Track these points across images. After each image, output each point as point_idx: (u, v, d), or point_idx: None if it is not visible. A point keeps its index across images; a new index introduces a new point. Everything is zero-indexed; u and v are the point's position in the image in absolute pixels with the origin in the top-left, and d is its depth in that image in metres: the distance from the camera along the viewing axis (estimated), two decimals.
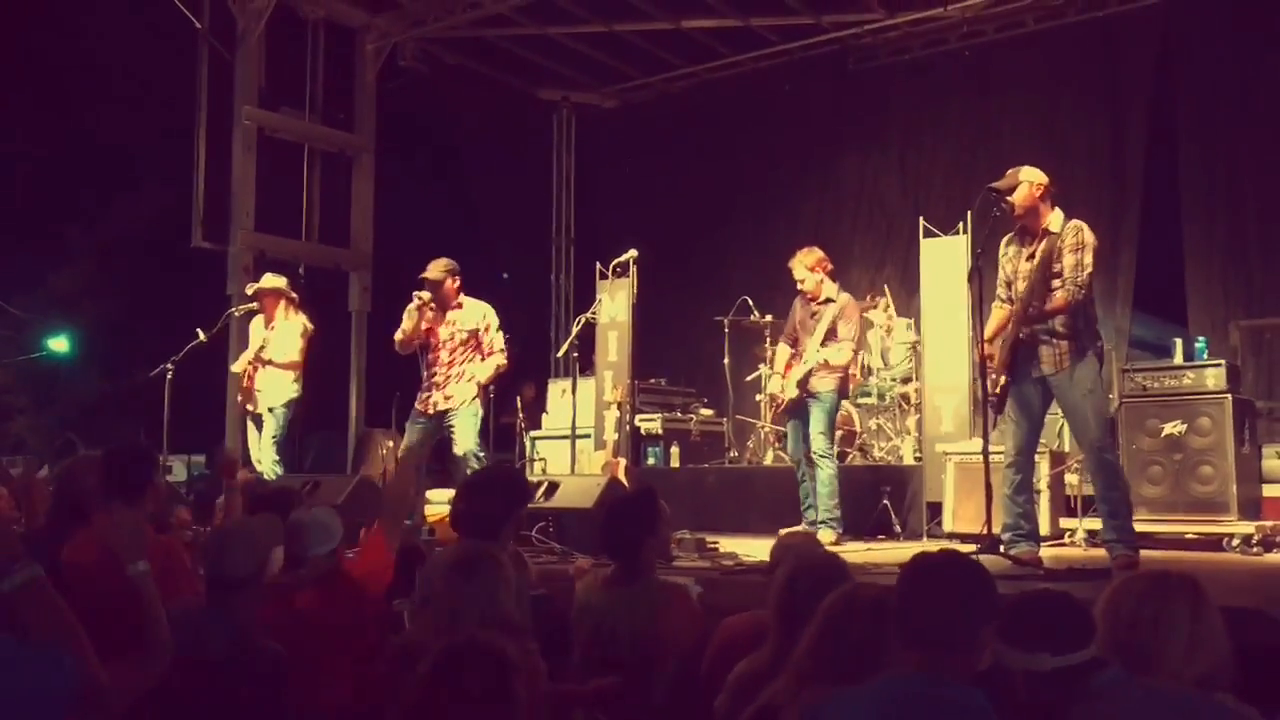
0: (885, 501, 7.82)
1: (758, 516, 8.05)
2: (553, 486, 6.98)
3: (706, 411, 10.56)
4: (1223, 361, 6.93)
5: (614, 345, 9.58)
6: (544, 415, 10.84)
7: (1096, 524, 6.34)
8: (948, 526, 7.36)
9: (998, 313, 5.56)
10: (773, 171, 11.73)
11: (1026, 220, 5.44)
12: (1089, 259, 5.26)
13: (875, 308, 9.31)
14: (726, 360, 9.85)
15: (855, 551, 6.27)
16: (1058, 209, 5.42)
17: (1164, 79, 9.76)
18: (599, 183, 13.30)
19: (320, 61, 10.88)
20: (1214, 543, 6.54)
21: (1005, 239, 5.62)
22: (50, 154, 14.19)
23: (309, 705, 3.39)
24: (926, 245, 8.42)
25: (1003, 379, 5.41)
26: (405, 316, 7.01)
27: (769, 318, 9.52)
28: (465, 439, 6.90)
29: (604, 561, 4.07)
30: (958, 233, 8.07)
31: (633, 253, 8.92)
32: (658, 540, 3.84)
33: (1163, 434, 6.79)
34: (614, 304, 9.59)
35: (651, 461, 9.73)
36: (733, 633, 3.31)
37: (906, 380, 9.21)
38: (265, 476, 7.51)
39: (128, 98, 13.03)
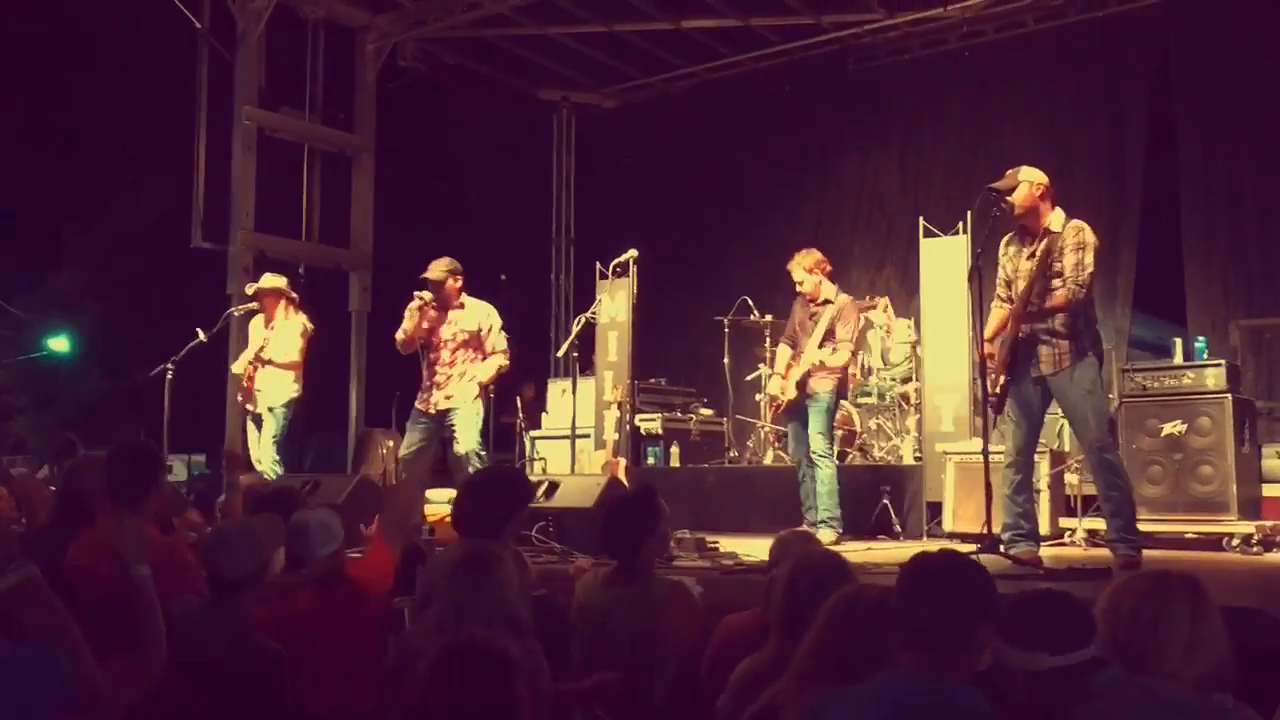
0: (885, 501, 7.82)
1: (757, 516, 8.05)
2: (553, 486, 6.97)
3: (706, 411, 10.56)
4: (1223, 361, 6.93)
5: (614, 345, 9.58)
6: (544, 415, 10.84)
7: (1097, 524, 6.35)
8: (948, 526, 7.36)
9: (997, 312, 5.56)
10: (773, 171, 11.71)
11: (1026, 220, 5.44)
12: (1090, 259, 5.26)
13: (875, 308, 9.31)
14: (726, 360, 9.83)
15: (855, 551, 6.24)
16: (1058, 209, 5.42)
17: (1164, 79, 9.76)
18: (599, 183, 13.29)
19: (320, 61, 10.88)
20: (1214, 542, 6.54)
21: (1005, 239, 5.62)
22: (50, 154, 14.20)
23: (309, 705, 3.40)
24: (926, 245, 8.42)
25: (1002, 379, 5.41)
26: (407, 316, 6.99)
27: (769, 318, 9.51)
28: (466, 439, 6.89)
29: (604, 561, 4.06)
30: (958, 233, 8.07)
31: (633, 253, 8.90)
32: (658, 539, 3.84)
33: (1163, 434, 6.79)
34: (614, 304, 9.58)
35: (651, 461, 9.72)
36: (733, 631, 3.31)
37: (906, 380, 9.20)
38: (265, 476, 7.53)
39: (128, 98, 13.05)
